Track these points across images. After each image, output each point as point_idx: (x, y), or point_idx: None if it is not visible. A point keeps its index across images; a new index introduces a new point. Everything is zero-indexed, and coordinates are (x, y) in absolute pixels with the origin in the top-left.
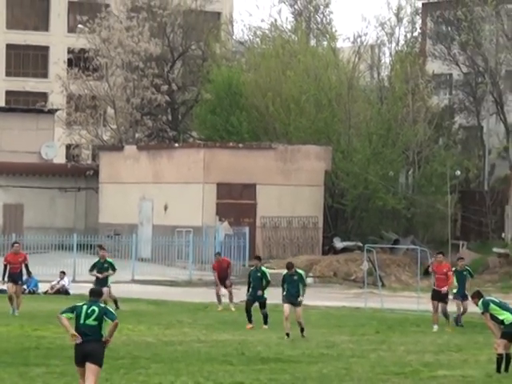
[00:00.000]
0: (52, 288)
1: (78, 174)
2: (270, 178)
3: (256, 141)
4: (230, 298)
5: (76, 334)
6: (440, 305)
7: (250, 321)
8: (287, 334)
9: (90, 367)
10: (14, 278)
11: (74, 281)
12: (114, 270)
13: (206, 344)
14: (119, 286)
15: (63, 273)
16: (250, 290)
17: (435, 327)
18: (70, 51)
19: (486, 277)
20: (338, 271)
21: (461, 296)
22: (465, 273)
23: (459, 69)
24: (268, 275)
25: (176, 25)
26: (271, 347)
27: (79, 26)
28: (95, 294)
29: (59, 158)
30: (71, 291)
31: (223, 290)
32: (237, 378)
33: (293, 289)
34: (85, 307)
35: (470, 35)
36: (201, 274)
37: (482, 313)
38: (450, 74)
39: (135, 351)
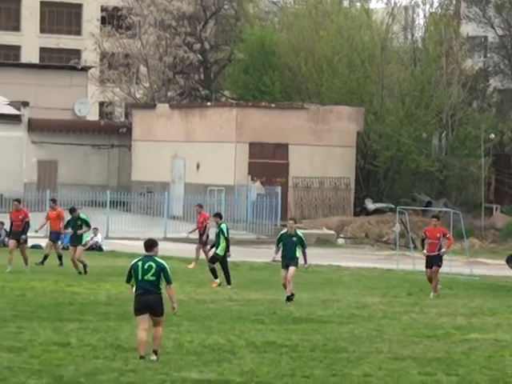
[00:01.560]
0: (85, 244)
1: (111, 132)
2: (302, 138)
3: (288, 101)
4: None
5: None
6: (433, 268)
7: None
8: (288, 298)
9: (154, 320)
10: (15, 235)
11: (107, 237)
12: (88, 226)
13: (237, 303)
14: None
15: (96, 229)
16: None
17: (432, 294)
18: (103, 9)
19: None
20: (369, 232)
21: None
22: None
23: (494, 31)
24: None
25: None
26: (303, 307)
27: None
28: (148, 247)
29: (92, 115)
30: (104, 247)
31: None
32: (268, 338)
33: (289, 251)
34: (140, 263)
35: None
36: (233, 232)
37: None
38: (485, 37)
39: (167, 309)
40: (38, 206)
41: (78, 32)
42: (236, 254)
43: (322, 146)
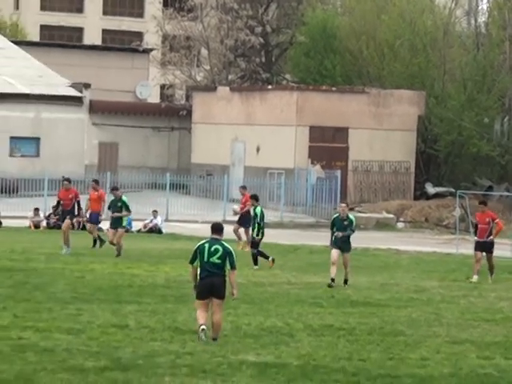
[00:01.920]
0: (145, 226)
1: (172, 114)
2: (363, 122)
3: (349, 84)
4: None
5: (195, 286)
6: (485, 255)
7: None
8: (332, 280)
9: (216, 302)
10: (65, 214)
11: (166, 220)
12: (128, 210)
13: (295, 286)
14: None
15: (156, 211)
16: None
17: (475, 277)
18: None
19: None
20: (429, 217)
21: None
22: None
23: None
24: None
25: None
26: (361, 290)
27: None
28: (216, 230)
29: (153, 97)
30: (164, 230)
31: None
32: (326, 321)
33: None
34: (207, 245)
35: None
36: (292, 216)
37: None
38: None
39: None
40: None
41: (141, 14)
42: (295, 237)
43: (382, 130)
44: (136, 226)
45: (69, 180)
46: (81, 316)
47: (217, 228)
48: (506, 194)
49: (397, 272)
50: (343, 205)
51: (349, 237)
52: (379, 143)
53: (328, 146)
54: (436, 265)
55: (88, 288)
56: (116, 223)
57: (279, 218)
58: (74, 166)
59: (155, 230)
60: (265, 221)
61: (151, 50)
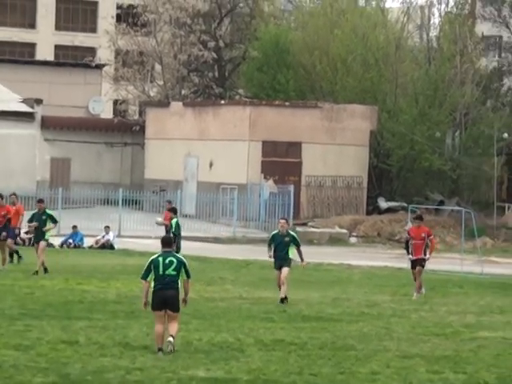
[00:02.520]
0: (97, 242)
1: (125, 130)
2: (316, 137)
3: (302, 99)
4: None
5: (146, 303)
6: (417, 268)
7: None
8: (281, 299)
9: (171, 315)
10: None
11: (119, 235)
12: (54, 222)
13: (247, 301)
14: None
15: (108, 227)
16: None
17: (415, 295)
18: (118, 6)
19: None
20: (381, 231)
21: None
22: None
23: (509, 31)
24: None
25: None
26: (313, 305)
27: None
28: (166, 243)
29: (106, 113)
30: (116, 246)
31: None
32: (277, 336)
33: (282, 252)
34: (161, 259)
35: None
36: (245, 231)
37: None
38: (500, 36)
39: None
40: (50, 204)
41: (93, 29)
42: (248, 253)
43: (335, 145)
44: (88, 241)
45: (1, 196)
46: (29, 332)
47: (167, 241)
48: (457, 208)
49: (349, 287)
50: (283, 221)
51: (287, 253)
52: (332, 158)
53: (281, 160)
54: (388, 279)
55: (37, 304)
56: (40, 237)
57: (232, 234)
58: (26, 182)
59: (107, 246)
60: (181, 233)
61: (104, 65)
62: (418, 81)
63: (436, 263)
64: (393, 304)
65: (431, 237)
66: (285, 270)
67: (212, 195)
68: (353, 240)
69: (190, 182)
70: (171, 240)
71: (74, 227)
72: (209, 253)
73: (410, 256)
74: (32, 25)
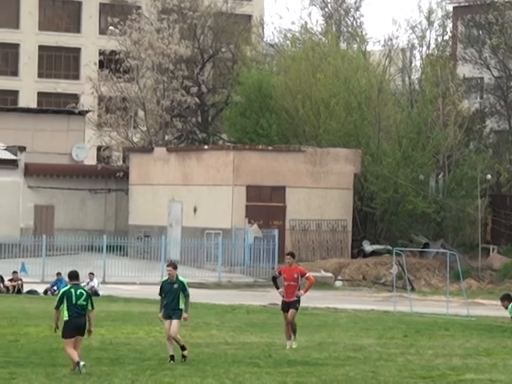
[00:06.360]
0: None
1: (108, 176)
2: (300, 181)
3: (285, 143)
4: None
5: (56, 328)
6: (289, 312)
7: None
8: (171, 357)
9: (79, 339)
10: None
11: (103, 282)
12: None
13: (233, 346)
14: (148, 288)
15: (92, 274)
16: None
17: (288, 343)
18: (101, 53)
19: None
20: (367, 274)
21: None
22: None
23: (490, 72)
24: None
25: (206, 27)
26: (298, 350)
27: (110, 27)
28: (74, 277)
29: (90, 159)
30: (100, 292)
31: None
32: (263, 381)
33: (172, 301)
34: (73, 290)
35: (501, 39)
36: (230, 276)
37: None
38: (481, 78)
39: (162, 353)
40: (34, 251)
41: (76, 76)
42: (233, 297)
43: (319, 189)
44: None
45: None
46: (14, 380)
47: (75, 275)
48: (442, 250)
49: (335, 330)
50: (169, 268)
51: (178, 303)
52: (316, 202)
53: (265, 205)
54: (374, 323)
55: (22, 352)
56: None
57: (217, 279)
58: (9, 230)
59: (92, 293)
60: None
61: (87, 111)
62: (401, 123)
63: (421, 306)
64: (379, 347)
65: (307, 275)
66: (174, 323)
67: (197, 240)
68: (338, 284)
69: (175, 227)
70: (77, 273)
71: (58, 274)
72: (194, 298)
73: (282, 290)
74: (15, 72)
